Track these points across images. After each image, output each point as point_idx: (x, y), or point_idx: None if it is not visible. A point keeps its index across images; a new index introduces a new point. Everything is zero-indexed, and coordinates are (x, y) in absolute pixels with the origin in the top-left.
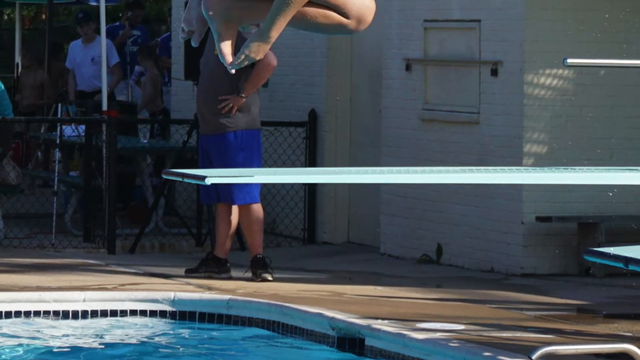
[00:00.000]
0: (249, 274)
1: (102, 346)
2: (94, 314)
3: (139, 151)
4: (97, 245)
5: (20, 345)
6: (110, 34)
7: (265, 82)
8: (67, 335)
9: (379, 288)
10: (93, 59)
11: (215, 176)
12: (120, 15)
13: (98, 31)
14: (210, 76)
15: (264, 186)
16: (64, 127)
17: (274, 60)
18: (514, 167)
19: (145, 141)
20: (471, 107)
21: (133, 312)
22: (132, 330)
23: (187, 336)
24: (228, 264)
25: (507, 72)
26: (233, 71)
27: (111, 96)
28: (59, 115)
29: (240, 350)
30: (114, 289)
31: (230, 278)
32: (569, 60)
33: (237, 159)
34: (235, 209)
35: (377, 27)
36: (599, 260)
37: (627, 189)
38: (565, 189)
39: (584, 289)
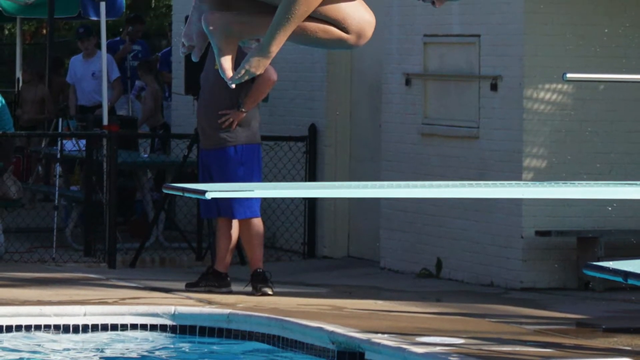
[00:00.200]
0: (249, 288)
1: None
2: (95, 328)
3: (139, 166)
4: (97, 259)
5: (21, 359)
6: (110, 49)
7: (265, 97)
8: (68, 350)
9: (379, 302)
10: (94, 74)
11: (215, 190)
12: (121, 30)
13: (99, 46)
14: (210, 91)
15: (264, 200)
16: (64, 141)
17: (274, 75)
18: (513, 182)
19: (146, 156)
20: (471, 122)
21: (134, 326)
22: (133, 344)
23: (187, 350)
24: (228, 278)
25: (506, 87)
26: (233, 86)
27: (112, 111)
28: (59, 130)
29: None
30: (114, 303)
31: (231, 292)
32: (569, 75)
33: (238, 173)
34: (235, 223)
35: (377, 42)
36: (598, 275)
37: (626, 204)
38: (564, 203)
39: (584, 303)
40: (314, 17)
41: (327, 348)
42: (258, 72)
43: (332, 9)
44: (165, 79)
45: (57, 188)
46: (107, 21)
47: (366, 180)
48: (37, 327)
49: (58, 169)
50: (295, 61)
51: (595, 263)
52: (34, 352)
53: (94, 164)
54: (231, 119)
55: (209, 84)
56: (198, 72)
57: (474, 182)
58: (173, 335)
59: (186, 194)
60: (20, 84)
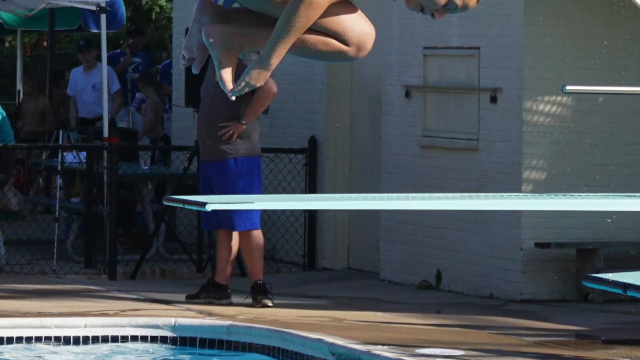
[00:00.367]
0: (250, 300)
1: None
2: (95, 339)
3: (139, 178)
4: (98, 271)
5: None
6: (111, 61)
7: (265, 109)
8: None
9: (379, 314)
10: (94, 86)
11: (215, 202)
12: (121, 42)
13: (99, 58)
14: (210, 103)
15: (264, 212)
16: (65, 153)
17: (274, 87)
18: (513, 194)
19: (146, 168)
20: (470, 134)
21: (134, 338)
22: (133, 356)
23: None
24: (228, 290)
25: (506, 99)
26: (233, 98)
27: (112, 123)
28: (60, 142)
29: None
30: (115, 314)
31: (231, 304)
32: (568, 87)
33: (238, 185)
34: (235, 235)
35: (376, 54)
36: (597, 286)
37: (625, 216)
38: (564, 215)
39: (583, 314)
40: (314, 29)
41: None
42: (258, 85)
43: (332, 22)
44: (166, 91)
45: (57, 200)
46: (107, 33)
47: (366, 192)
48: (38, 339)
49: (59, 181)
50: (296, 73)
51: (594, 275)
52: None
53: (95, 176)
54: (231, 131)
55: (209, 96)
56: (198, 85)
57: (473, 194)
58: (173, 347)
59: (186, 206)
60: (21, 96)
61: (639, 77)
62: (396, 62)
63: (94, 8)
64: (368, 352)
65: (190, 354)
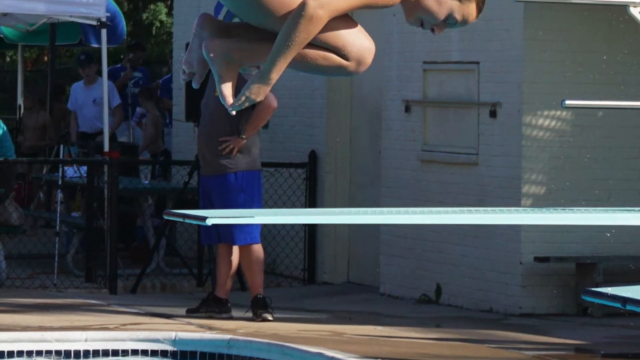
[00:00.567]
0: (250, 314)
1: None
2: (96, 353)
3: (140, 192)
4: (98, 285)
5: None
6: (111, 76)
7: (265, 124)
8: None
9: (379, 328)
10: (95, 101)
11: (216, 217)
12: (122, 57)
13: (100, 73)
14: (211, 117)
15: (265, 227)
16: (65, 168)
17: (274, 102)
18: (512, 208)
19: (147, 182)
20: (470, 148)
21: (134, 352)
22: None
23: None
24: (229, 304)
25: (505, 114)
26: (234, 112)
27: (113, 137)
28: (61, 157)
29: None
30: (115, 328)
31: (231, 318)
32: (567, 102)
33: (238, 199)
34: (235, 249)
35: (376, 69)
36: (596, 300)
37: (624, 230)
38: (563, 229)
39: (582, 328)
40: (314, 44)
41: None
42: (258, 99)
43: (332, 36)
44: (166, 106)
45: (58, 214)
46: (108, 48)
47: (366, 206)
48: (39, 353)
49: (59, 195)
50: (296, 88)
51: (593, 289)
52: None
53: (95, 190)
54: (231, 146)
55: (209, 111)
56: (198, 99)
57: (473, 209)
58: None
59: (187, 220)
60: (22, 111)
61: (638, 91)
62: (396, 76)
63: (94, 23)
64: None
65: None
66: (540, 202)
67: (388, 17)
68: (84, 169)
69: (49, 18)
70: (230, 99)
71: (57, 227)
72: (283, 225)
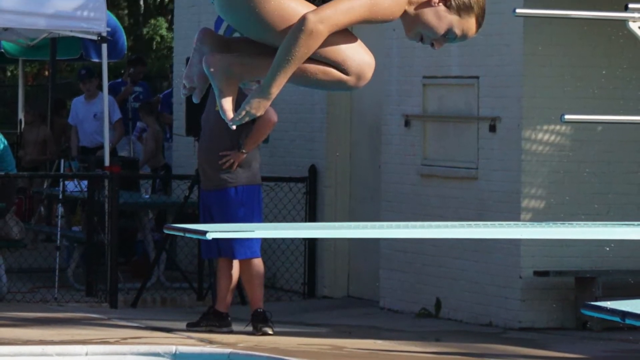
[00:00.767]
0: (250, 328)
1: None
2: None
3: (140, 206)
4: (99, 299)
5: None
6: (112, 91)
7: (265, 138)
8: None
9: (379, 342)
10: (95, 115)
11: (216, 231)
12: (123, 71)
13: (100, 87)
14: (211, 132)
15: (265, 241)
16: (66, 182)
17: (274, 117)
18: (512, 222)
19: (147, 196)
20: (470, 163)
21: None
22: None
23: None
24: (229, 318)
25: (505, 128)
26: (234, 127)
27: (113, 152)
28: (61, 171)
29: None
30: (116, 342)
31: (231, 332)
32: (567, 116)
33: (238, 214)
34: (236, 263)
35: (376, 84)
36: (596, 314)
37: (623, 244)
38: (562, 243)
39: (582, 342)
40: (314, 58)
41: None
42: (258, 114)
43: (332, 51)
44: (166, 121)
45: (59, 228)
46: (108, 63)
47: (366, 220)
48: None
49: (60, 209)
50: (296, 102)
51: (593, 303)
52: None
53: (96, 204)
54: (232, 160)
55: (209, 125)
56: (199, 114)
57: (472, 223)
58: None
59: (187, 235)
60: (23, 126)
61: (637, 106)
62: (396, 91)
63: (95, 38)
64: None
65: None
66: (539, 217)
67: (388, 32)
68: (84, 183)
69: (50, 33)
70: (230, 114)
71: (58, 241)
72: (283, 240)
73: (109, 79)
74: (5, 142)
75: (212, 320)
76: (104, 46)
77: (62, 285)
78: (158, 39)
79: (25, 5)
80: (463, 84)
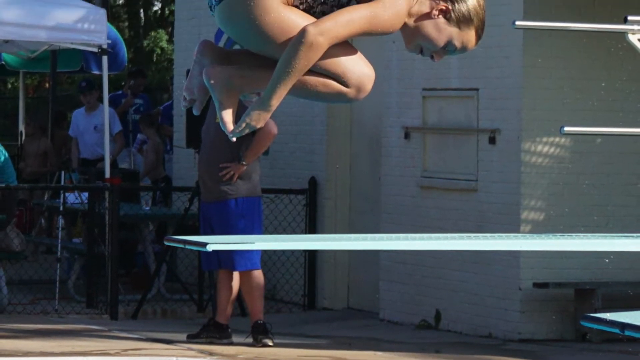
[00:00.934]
0: (250, 340)
1: None
2: None
3: (141, 218)
4: (99, 311)
5: None
6: (112, 103)
7: (266, 150)
8: None
9: (379, 353)
10: (96, 127)
11: (216, 243)
12: (123, 84)
13: (101, 99)
14: (211, 144)
15: (265, 252)
16: (67, 194)
17: (274, 129)
18: (511, 234)
19: (148, 208)
20: (469, 175)
21: None
22: None
23: None
24: (229, 330)
25: (504, 140)
26: (234, 139)
27: (114, 164)
28: (62, 183)
29: None
30: (116, 354)
31: (232, 343)
32: (566, 128)
33: (238, 225)
34: (236, 275)
35: (376, 96)
36: (595, 326)
37: (623, 256)
38: (562, 255)
39: (581, 354)
40: (314, 71)
41: None
42: (259, 126)
43: (332, 63)
44: (167, 132)
45: (59, 240)
46: (109, 75)
47: (366, 232)
48: None
49: (60, 221)
50: (296, 114)
51: (592, 314)
52: None
53: (96, 216)
54: (232, 172)
55: (209, 137)
56: (199, 126)
57: (472, 235)
58: None
59: (187, 246)
60: (23, 137)
61: (636, 118)
62: (395, 103)
63: (95, 50)
64: None
65: None
66: (539, 228)
67: (387, 44)
68: (85, 195)
69: (50, 45)
70: (230, 126)
71: (58, 253)
72: (283, 251)
73: (110, 91)
74: (6, 154)
75: (212, 331)
76: (105, 58)
77: (62, 296)
78: (158, 51)
79: (26, 17)
80: (463, 96)
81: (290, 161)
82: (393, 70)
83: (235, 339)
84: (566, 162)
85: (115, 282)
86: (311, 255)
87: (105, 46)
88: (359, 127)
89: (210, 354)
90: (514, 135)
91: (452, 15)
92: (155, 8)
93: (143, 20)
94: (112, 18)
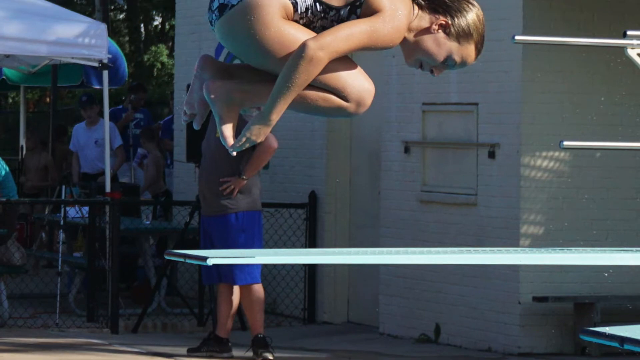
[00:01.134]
0: (250, 354)
1: None
2: None
3: (141, 232)
4: (100, 325)
5: None
6: (113, 117)
7: (266, 164)
8: None
9: None
10: (96, 142)
11: (216, 257)
12: (123, 98)
13: (101, 114)
14: (211, 158)
15: (265, 266)
16: (67, 208)
17: (274, 143)
18: (511, 248)
19: (148, 222)
20: (469, 189)
21: None
22: None
23: None
24: (229, 344)
25: (504, 154)
26: (234, 153)
27: (114, 178)
28: (62, 197)
29: None
30: None
31: (232, 357)
32: (565, 143)
33: (239, 240)
34: (236, 289)
35: (376, 110)
36: (594, 340)
37: (622, 270)
38: (561, 269)
39: None
40: (314, 85)
41: None
42: (259, 140)
43: (332, 78)
44: (167, 147)
45: (60, 254)
46: (109, 89)
47: (365, 246)
48: None
49: (61, 235)
50: (296, 129)
51: (591, 328)
52: None
53: (97, 230)
54: (232, 186)
55: (210, 152)
56: (199, 140)
57: (472, 249)
58: None
59: (188, 260)
60: (24, 152)
61: (636, 132)
62: (395, 117)
63: (96, 64)
64: None
65: None
66: (538, 242)
67: (387, 59)
68: (85, 209)
69: (51, 60)
70: (231, 140)
71: (59, 267)
72: (283, 265)
73: (110, 105)
74: (7, 169)
75: (212, 345)
76: (105, 73)
77: (63, 310)
78: (159, 65)
79: (26, 32)
80: (462, 111)
81: (290, 175)
82: (393, 85)
83: (235, 352)
84: (565, 177)
85: (116, 296)
86: (311, 269)
87: (105, 61)
88: (358, 141)
89: None
90: (514, 150)
91: (452, 30)
92: (156, 23)
93: (143, 35)
94: (113, 33)
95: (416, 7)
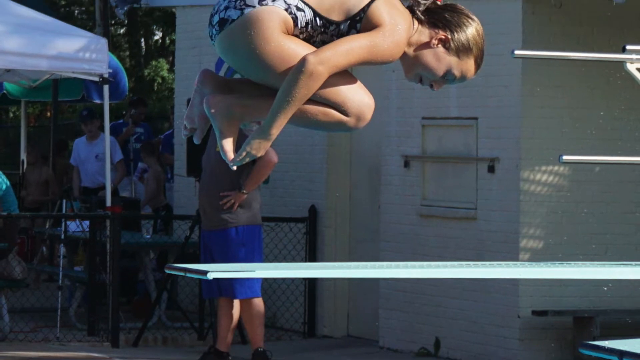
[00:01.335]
0: None
1: None
2: None
3: (142, 246)
4: (101, 338)
5: None
6: (113, 131)
7: (266, 179)
8: None
9: None
10: (97, 156)
11: (217, 271)
12: (124, 113)
13: (102, 128)
14: (212, 173)
15: (265, 280)
16: (68, 222)
17: (274, 157)
18: (510, 262)
19: (148, 236)
20: (468, 203)
21: None
22: None
23: None
24: (230, 357)
25: (503, 169)
26: (234, 168)
27: (115, 192)
28: (63, 211)
29: None
30: None
31: None
32: (565, 157)
33: (239, 254)
34: (236, 303)
35: (376, 125)
36: (594, 354)
37: (621, 284)
38: (560, 283)
39: None
40: (314, 100)
41: None
42: (259, 154)
43: (332, 92)
44: (168, 161)
45: (61, 268)
46: (110, 104)
47: (365, 260)
48: None
49: (62, 249)
50: (296, 143)
51: (591, 342)
52: None
53: (98, 244)
54: (232, 201)
55: (210, 166)
56: (200, 154)
57: (471, 263)
58: None
59: (188, 275)
60: (25, 166)
61: (635, 147)
62: (395, 132)
63: (96, 79)
64: None
65: None
66: (538, 257)
67: (387, 74)
68: (86, 223)
69: (52, 74)
70: (231, 154)
71: (60, 281)
72: (283, 279)
73: (111, 120)
74: (8, 183)
75: (213, 359)
76: (106, 87)
77: (64, 324)
78: (159, 80)
79: (27, 47)
80: (462, 125)
81: (290, 190)
82: (392, 99)
83: None
84: (565, 191)
85: (117, 310)
86: (311, 283)
87: (106, 75)
88: (358, 155)
89: None
90: (513, 164)
91: (452, 44)
92: (156, 37)
93: (144, 50)
94: (113, 47)
95: (416, 22)
